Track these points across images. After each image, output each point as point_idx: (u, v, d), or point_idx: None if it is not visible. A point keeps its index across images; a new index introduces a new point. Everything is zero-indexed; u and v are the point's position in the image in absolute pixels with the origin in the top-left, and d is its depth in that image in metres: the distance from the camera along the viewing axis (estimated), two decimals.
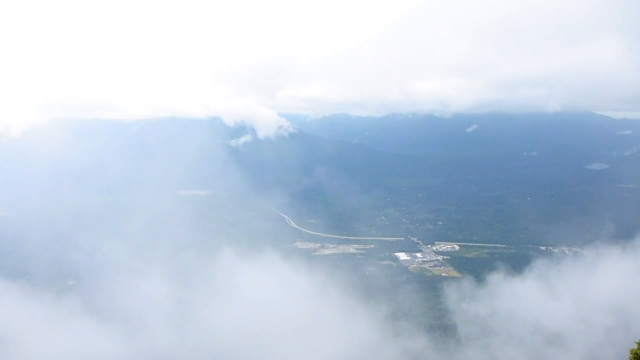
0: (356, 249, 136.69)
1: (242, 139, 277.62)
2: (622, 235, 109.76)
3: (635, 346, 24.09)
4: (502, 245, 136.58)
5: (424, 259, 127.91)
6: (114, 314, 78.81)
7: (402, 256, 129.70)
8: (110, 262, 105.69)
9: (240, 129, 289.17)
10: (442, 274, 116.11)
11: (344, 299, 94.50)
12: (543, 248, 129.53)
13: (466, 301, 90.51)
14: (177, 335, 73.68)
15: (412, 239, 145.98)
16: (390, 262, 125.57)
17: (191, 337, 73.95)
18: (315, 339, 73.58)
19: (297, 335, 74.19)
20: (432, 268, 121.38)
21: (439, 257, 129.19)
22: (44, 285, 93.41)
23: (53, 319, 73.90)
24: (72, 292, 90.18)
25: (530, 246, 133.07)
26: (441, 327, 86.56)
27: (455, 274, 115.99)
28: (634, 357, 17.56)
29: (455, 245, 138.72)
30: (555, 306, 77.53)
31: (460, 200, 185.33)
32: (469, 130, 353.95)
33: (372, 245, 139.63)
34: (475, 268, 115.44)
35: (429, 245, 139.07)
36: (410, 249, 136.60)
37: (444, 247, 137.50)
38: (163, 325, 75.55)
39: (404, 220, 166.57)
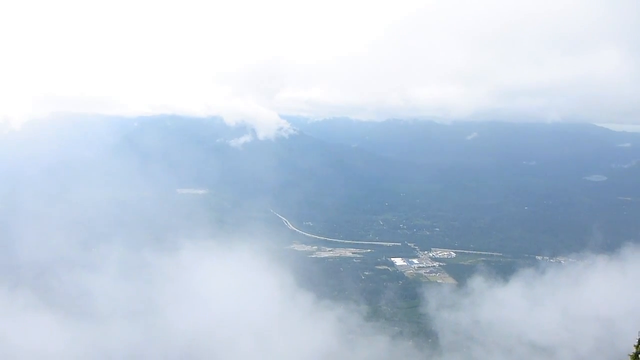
0: (353, 253, 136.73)
1: (242, 139, 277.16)
2: (619, 247, 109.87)
3: (633, 350, 24.10)
4: (499, 254, 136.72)
5: (420, 265, 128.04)
6: (84, 309, 79.23)
7: (399, 261, 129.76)
8: (95, 258, 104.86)
9: (241, 129, 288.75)
10: (438, 281, 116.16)
11: (337, 303, 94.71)
12: (539, 258, 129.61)
13: (459, 309, 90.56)
14: (153, 333, 73.34)
15: (409, 244, 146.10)
16: (386, 267, 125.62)
17: (168, 337, 73.56)
18: (298, 341, 73.57)
19: (279, 337, 74.31)
20: (428, 274, 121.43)
21: (435, 264, 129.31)
22: (16, 279, 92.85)
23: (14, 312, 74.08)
24: (55, 287, 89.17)
25: (526, 255, 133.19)
26: (429, 333, 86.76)
27: (451, 280, 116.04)
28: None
29: (451, 252, 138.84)
30: (547, 316, 77.66)
31: (458, 208, 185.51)
32: (469, 137, 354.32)
33: (369, 250, 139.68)
34: (470, 276, 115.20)
35: (426, 252, 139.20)
36: (407, 254, 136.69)
37: (440, 254, 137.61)
38: (132, 323, 75.31)
39: (401, 225, 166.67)
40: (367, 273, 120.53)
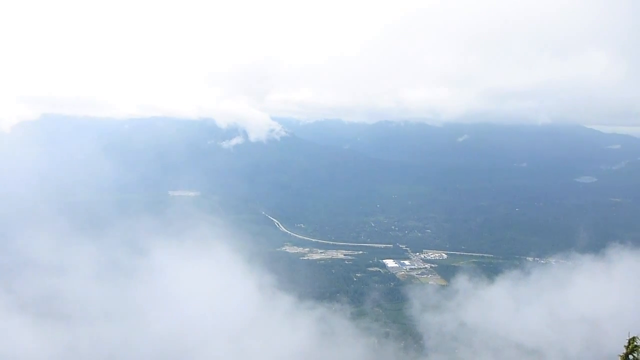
0: (344, 255, 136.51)
1: (234, 141, 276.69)
2: (608, 248, 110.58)
3: (623, 351, 24.11)
4: (490, 255, 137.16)
5: (412, 267, 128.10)
6: (75, 312, 78.49)
7: (390, 263, 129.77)
8: (84, 260, 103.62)
9: (232, 131, 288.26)
10: (429, 282, 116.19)
11: (328, 304, 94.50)
12: (530, 259, 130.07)
13: (450, 310, 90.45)
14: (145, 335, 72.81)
15: (400, 246, 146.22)
16: (378, 269, 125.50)
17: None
18: (286, 342, 73.30)
19: (265, 338, 74.04)
20: (420, 276, 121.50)
21: (426, 265, 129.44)
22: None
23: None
24: (42, 289, 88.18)
25: (517, 257, 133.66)
26: (419, 334, 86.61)
27: (442, 282, 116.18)
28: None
29: (443, 254, 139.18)
30: (536, 318, 77.74)
31: (450, 209, 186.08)
32: (460, 139, 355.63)
33: (361, 252, 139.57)
34: (461, 277, 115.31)
35: (417, 253, 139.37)
36: (399, 256, 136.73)
37: (432, 256, 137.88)
38: (114, 323, 74.92)
39: (393, 227, 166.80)
40: (358, 275, 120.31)
